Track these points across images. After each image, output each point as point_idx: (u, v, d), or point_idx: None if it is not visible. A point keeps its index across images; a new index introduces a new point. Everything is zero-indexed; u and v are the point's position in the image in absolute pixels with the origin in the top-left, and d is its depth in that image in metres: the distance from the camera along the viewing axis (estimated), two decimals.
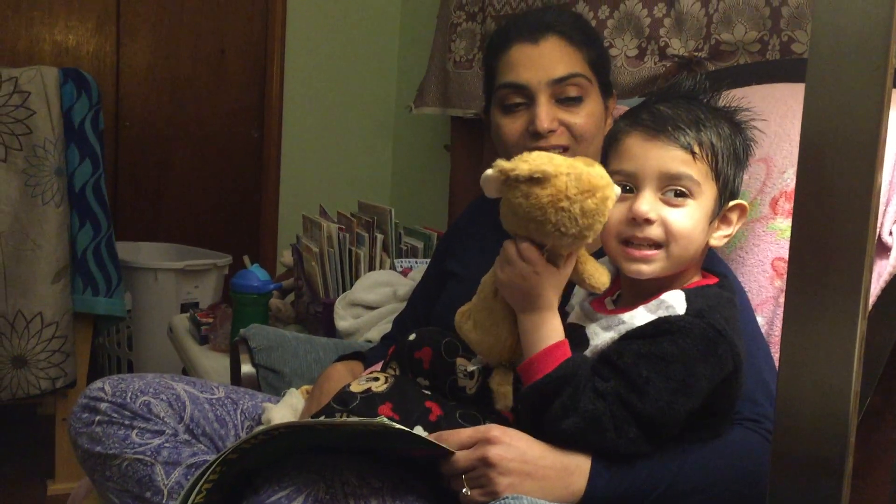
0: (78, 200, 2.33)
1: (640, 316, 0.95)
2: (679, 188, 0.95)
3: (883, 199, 1.18)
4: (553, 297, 0.97)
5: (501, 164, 0.94)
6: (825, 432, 0.56)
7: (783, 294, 1.21)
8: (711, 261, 1.09)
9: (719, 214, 0.99)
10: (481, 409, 1.04)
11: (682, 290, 0.96)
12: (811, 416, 0.57)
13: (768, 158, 1.32)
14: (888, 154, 1.17)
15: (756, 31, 1.75)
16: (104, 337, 2.98)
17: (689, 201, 0.96)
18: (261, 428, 0.98)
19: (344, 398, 1.02)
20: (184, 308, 2.87)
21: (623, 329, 0.95)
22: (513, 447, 0.92)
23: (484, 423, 1.00)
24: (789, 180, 1.29)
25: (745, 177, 1.31)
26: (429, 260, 2.16)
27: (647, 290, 0.99)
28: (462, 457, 0.93)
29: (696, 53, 1.90)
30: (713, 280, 1.01)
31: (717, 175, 0.97)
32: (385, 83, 3.68)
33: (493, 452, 0.91)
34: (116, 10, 3.33)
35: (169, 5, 3.40)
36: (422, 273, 1.56)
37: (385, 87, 3.68)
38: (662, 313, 0.94)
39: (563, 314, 1.06)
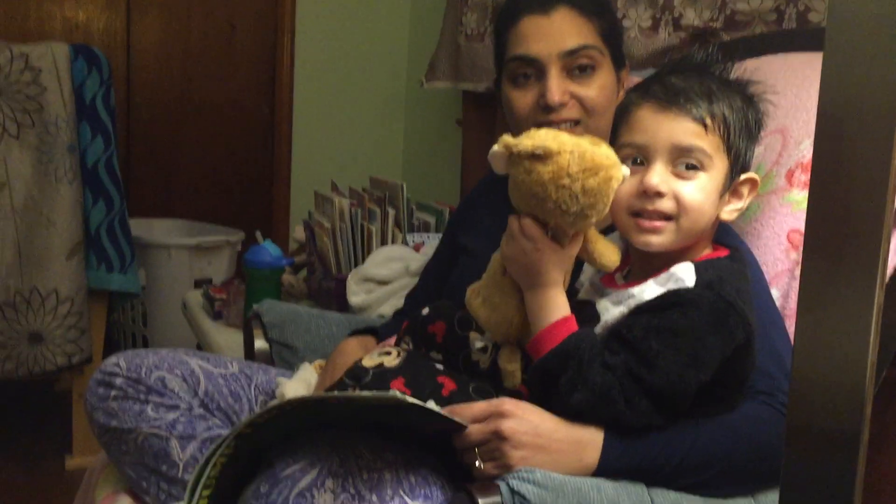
0: (90, 177, 2.33)
1: (649, 289, 0.95)
2: (690, 161, 0.94)
3: None
4: (557, 275, 0.97)
5: (506, 139, 0.94)
6: (841, 404, 0.56)
7: (799, 266, 1.20)
8: (723, 233, 1.09)
9: (730, 188, 0.98)
10: (495, 384, 1.04)
11: (692, 262, 0.96)
12: (826, 389, 0.56)
13: (784, 129, 1.31)
14: None
15: (772, 0, 1.73)
16: (119, 313, 3.00)
17: (701, 174, 0.95)
18: (274, 402, 0.99)
19: (356, 373, 1.02)
20: (197, 284, 2.88)
21: (633, 303, 0.95)
22: (525, 420, 0.93)
23: (497, 397, 1.00)
24: (806, 151, 1.27)
25: (761, 148, 1.30)
26: (441, 235, 2.16)
27: (658, 263, 0.98)
28: (475, 430, 0.93)
29: (710, 24, 1.87)
30: (724, 252, 1.00)
31: (729, 148, 0.96)
32: (396, 58, 3.66)
33: (506, 426, 0.92)
34: None
35: None
36: (434, 248, 1.56)
37: (396, 62, 3.66)
38: (672, 286, 0.93)
39: (574, 291, 1.06)
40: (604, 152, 0.93)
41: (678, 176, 0.95)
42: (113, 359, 1.19)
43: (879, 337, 0.55)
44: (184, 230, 3.23)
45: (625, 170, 0.95)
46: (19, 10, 3.17)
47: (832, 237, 0.55)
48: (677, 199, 0.94)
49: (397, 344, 1.13)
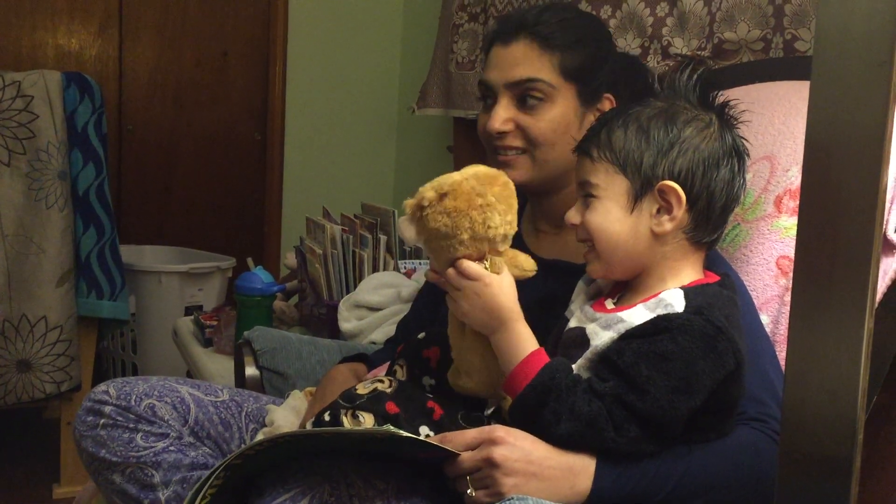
0: (81, 204, 2.33)
1: (638, 314, 0.95)
2: (587, 192, 1.02)
3: (889, 196, 1.18)
4: (513, 306, 0.99)
5: (408, 202, 1.00)
6: (833, 431, 0.56)
7: (788, 292, 1.21)
8: (714, 261, 1.09)
9: (641, 200, 0.99)
10: (484, 410, 1.04)
11: (682, 288, 0.96)
12: (819, 415, 0.56)
13: (772, 156, 1.32)
14: (894, 151, 1.16)
15: (759, 29, 1.75)
16: (108, 340, 2.98)
17: (595, 200, 1.01)
18: (266, 430, 0.98)
19: (350, 396, 1.02)
20: (188, 311, 2.87)
21: (622, 328, 0.95)
22: (517, 448, 0.92)
23: (488, 424, 1.00)
24: (794, 178, 1.28)
25: (749, 175, 1.31)
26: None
27: (648, 289, 0.99)
28: (467, 458, 0.93)
29: (698, 52, 1.89)
30: (714, 278, 1.01)
31: (623, 167, 0.99)
32: (387, 84, 3.68)
33: (498, 453, 0.91)
34: (119, 14, 3.33)
35: (171, 8, 3.41)
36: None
37: (387, 89, 3.68)
38: (661, 312, 0.94)
39: (564, 320, 1.07)
40: (485, 167, 1.03)
41: (585, 206, 1.02)
42: (102, 387, 1.18)
43: (870, 362, 0.55)
44: (175, 257, 3.22)
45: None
46: (11, 37, 3.18)
47: (821, 263, 0.56)
48: (588, 229, 1.01)
49: (391, 366, 1.13)
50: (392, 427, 0.89)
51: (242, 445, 1.16)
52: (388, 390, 1.02)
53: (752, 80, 1.49)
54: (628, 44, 2.08)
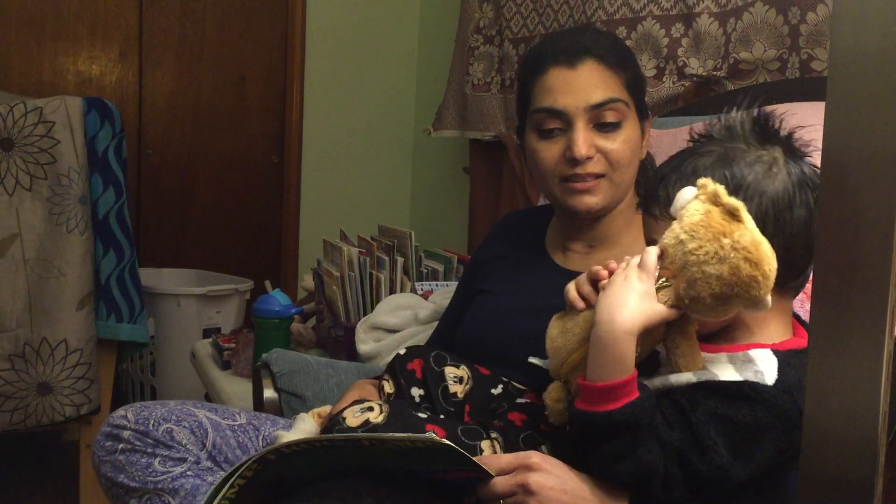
0: (101, 228, 2.35)
1: (722, 367, 0.91)
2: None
3: None
4: (631, 323, 0.87)
5: (712, 187, 0.87)
6: (854, 454, 0.55)
7: (807, 314, 1.20)
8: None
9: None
10: (480, 422, 1.06)
11: (774, 351, 0.91)
12: (839, 438, 0.56)
13: None
14: None
15: (775, 49, 1.75)
16: (128, 363, 3.00)
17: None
18: (303, 438, 0.97)
19: (342, 431, 1.00)
20: (206, 333, 2.88)
21: (703, 376, 0.90)
22: (553, 475, 0.91)
23: (486, 434, 1.02)
24: None
25: None
26: (449, 283, 2.15)
27: (731, 337, 0.94)
28: (501, 482, 0.92)
29: (714, 73, 1.89)
30: (805, 340, 0.93)
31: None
32: (403, 107, 3.70)
33: (534, 479, 0.90)
34: (138, 40, 3.38)
35: (190, 34, 3.45)
36: (442, 295, 1.55)
37: (403, 111, 3.70)
38: (750, 376, 0.89)
39: None
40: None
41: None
42: (121, 411, 1.19)
43: (890, 384, 0.55)
44: (193, 279, 3.24)
45: None
46: (34, 64, 3.23)
47: (840, 285, 0.55)
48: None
49: (379, 384, 1.18)
50: (435, 436, 0.88)
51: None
52: (380, 419, 1.00)
53: (769, 101, 1.48)
54: (644, 65, 2.08)
